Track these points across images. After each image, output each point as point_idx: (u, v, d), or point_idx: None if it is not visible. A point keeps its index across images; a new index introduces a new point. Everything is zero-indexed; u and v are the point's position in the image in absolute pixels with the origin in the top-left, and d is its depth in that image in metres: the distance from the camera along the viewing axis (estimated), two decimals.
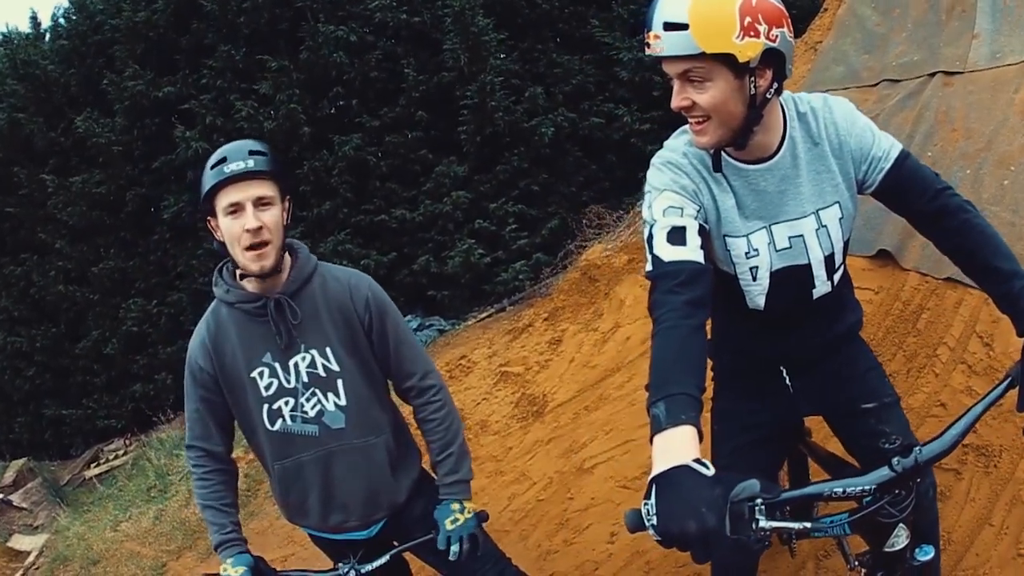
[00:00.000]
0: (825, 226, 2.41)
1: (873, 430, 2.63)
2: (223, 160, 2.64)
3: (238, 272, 2.87)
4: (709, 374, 2.63)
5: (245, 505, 7.48)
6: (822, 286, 2.50)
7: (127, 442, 13.94)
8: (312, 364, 2.87)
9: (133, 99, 12.91)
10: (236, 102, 12.34)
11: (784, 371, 2.72)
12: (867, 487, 1.94)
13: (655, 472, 1.71)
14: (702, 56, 2.07)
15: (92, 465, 13.84)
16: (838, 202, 2.41)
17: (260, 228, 2.66)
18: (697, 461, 1.69)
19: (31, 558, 9.32)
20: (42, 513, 11.86)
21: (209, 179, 2.66)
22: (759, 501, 1.72)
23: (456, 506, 3.00)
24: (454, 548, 2.94)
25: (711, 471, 1.68)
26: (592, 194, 12.42)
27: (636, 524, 1.69)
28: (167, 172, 13.09)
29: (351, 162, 12.04)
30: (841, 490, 1.94)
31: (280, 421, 2.90)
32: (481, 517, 3.11)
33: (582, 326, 7.35)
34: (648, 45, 2.15)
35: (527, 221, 12.21)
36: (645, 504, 1.66)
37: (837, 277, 2.54)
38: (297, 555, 6.01)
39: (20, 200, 14.30)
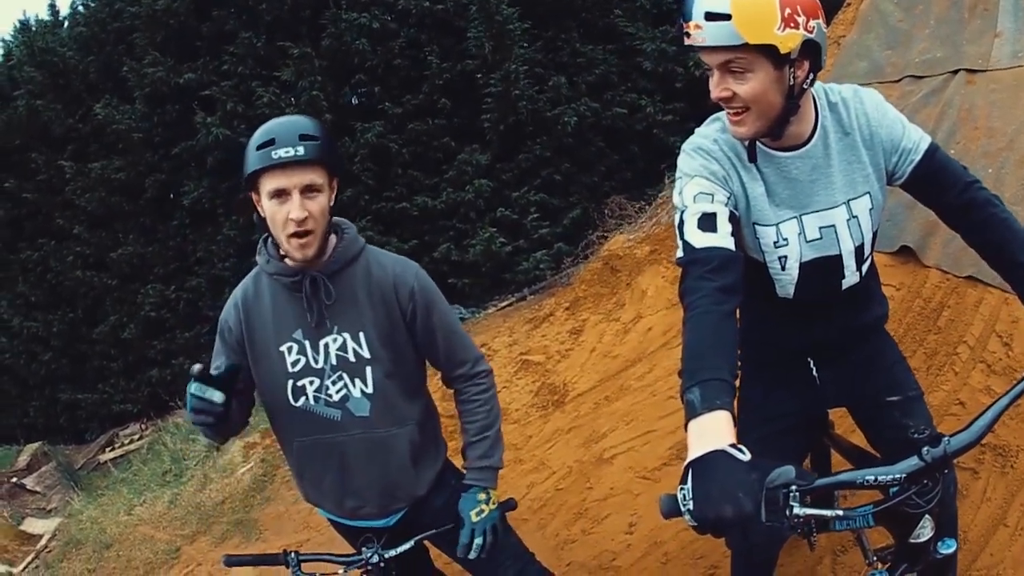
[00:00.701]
0: (856, 216, 2.40)
1: (897, 423, 2.64)
2: (271, 142, 2.47)
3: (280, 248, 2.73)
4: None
5: (261, 490, 7.59)
6: (851, 277, 2.49)
7: (143, 426, 13.93)
8: (343, 347, 2.78)
9: (153, 86, 12.90)
10: (257, 88, 12.32)
11: (811, 361, 2.71)
12: (897, 476, 1.92)
13: (691, 457, 1.71)
14: (744, 47, 2.07)
15: (107, 449, 13.81)
16: (868, 192, 2.40)
17: (306, 218, 2.53)
18: (733, 446, 1.70)
19: (43, 541, 9.25)
20: (56, 497, 11.82)
21: (254, 161, 2.50)
22: (794, 488, 1.74)
23: (483, 496, 2.95)
24: (478, 541, 2.90)
25: (747, 456, 1.68)
26: (614, 184, 12.40)
27: (672, 509, 1.68)
28: (187, 158, 13.08)
29: (373, 149, 12.02)
30: (872, 478, 1.93)
31: (303, 399, 2.82)
32: (507, 506, 3.09)
33: (603, 316, 7.32)
34: (687, 35, 2.13)
35: (549, 210, 12.21)
36: (681, 489, 1.65)
37: (865, 268, 2.54)
38: (313, 540, 6.00)
39: (37, 186, 14.30)
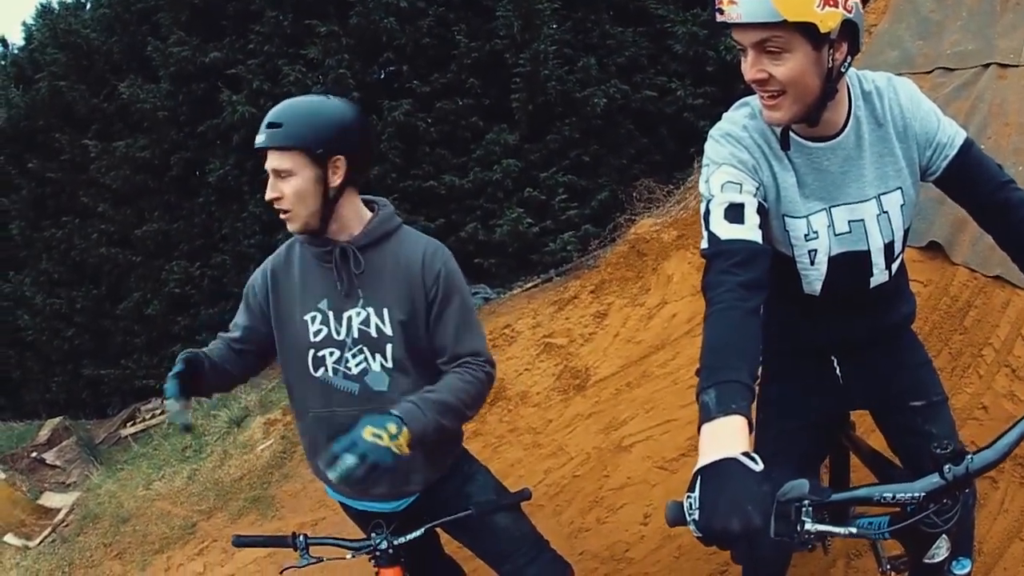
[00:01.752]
0: (886, 212, 2.32)
1: (919, 429, 2.57)
2: (260, 126, 2.64)
3: None
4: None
5: (279, 467, 7.58)
6: (880, 275, 2.41)
7: (164, 402, 13.83)
8: (366, 321, 2.79)
9: (178, 65, 12.84)
10: (284, 67, 12.28)
11: (835, 360, 2.65)
12: (916, 494, 1.83)
13: (701, 463, 1.63)
14: (782, 24, 1.95)
15: (128, 424, 13.82)
16: (900, 188, 2.31)
17: (277, 198, 2.65)
18: (746, 455, 1.62)
19: (61, 515, 9.25)
20: (75, 471, 11.82)
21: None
22: (807, 502, 1.68)
23: (392, 427, 2.53)
24: (348, 460, 2.43)
25: (760, 466, 1.60)
26: (643, 167, 12.33)
27: (677, 518, 1.62)
28: (213, 136, 13.04)
29: (400, 127, 11.96)
30: (891, 495, 1.84)
31: (323, 370, 2.84)
32: (522, 496, 3.01)
33: (628, 300, 7.27)
34: (720, 11, 2.02)
35: (577, 192, 12.16)
36: (688, 497, 1.59)
37: (895, 266, 2.45)
38: (328, 519, 5.98)
39: (61, 165, 14.30)
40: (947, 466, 1.81)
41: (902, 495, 1.82)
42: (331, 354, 2.82)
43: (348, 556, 2.93)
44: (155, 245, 13.87)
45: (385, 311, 2.78)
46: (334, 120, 2.63)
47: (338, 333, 2.80)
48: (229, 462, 8.32)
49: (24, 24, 16.08)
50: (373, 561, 2.89)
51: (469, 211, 12.09)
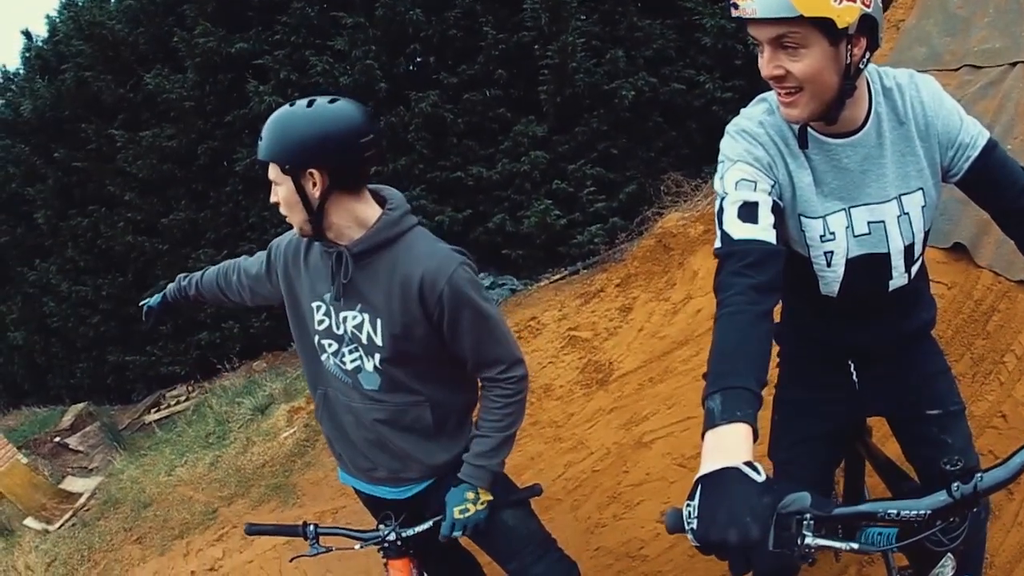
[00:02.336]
0: (907, 213, 2.24)
1: (935, 439, 2.52)
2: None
3: None
4: (775, 360, 2.67)
5: (302, 455, 7.63)
6: (899, 278, 2.34)
7: (189, 388, 14.10)
8: (359, 326, 2.78)
9: (204, 56, 12.84)
10: (311, 58, 12.30)
11: (852, 365, 2.58)
12: (922, 512, 1.76)
13: (702, 471, 1.59)
14: (799, 20, 1.88)
15: (153, 410, 13.97)
16: (922, 188, 2.23)
17: (277, 203, 2.67)
18: (748, 464, 1.58)
19: (82, 500, 9.32)
20: (98, 456, 11.93)
21: None
22: (808, 516, 1.63)
23: (471, 495, 2.86)
24: (456, 534, 2.85)
25: (762, 476, 1.56)
26: (671, 161, 12.32)
27: (676, 525, 1.58)
28: (240, 126, 13.02)
29: (428, 119, 11.95)
30: (895, 512, 1.77)
31: (325, 356, 2.91)
32: (533, 492, 3.06)
33: (654, 295, 7.31)
34: (735, 6, 1.96)
35: (605, 184, 12.12)
36: (688, 505, 1.55)
37: (915, 269, 2.37)
38: (349, 507, 6.00)
39: (87, 155, 14.33)
40: (955, 484, 1.74)
41: (907, 512, 1.76)
42: (330, 345, 2.86)
43: (357, 547, 2.97)
44: (182, 234, 13.89)
45: (379, 321, 2.75)
46: (305, 134, 2.55)
47: (337, 327, 2.83)
48: (252, 449, 8.39)
49: (48, 17, 16.22)
50: (382, 552, 2.95)
51: (497, 202, 12.09)
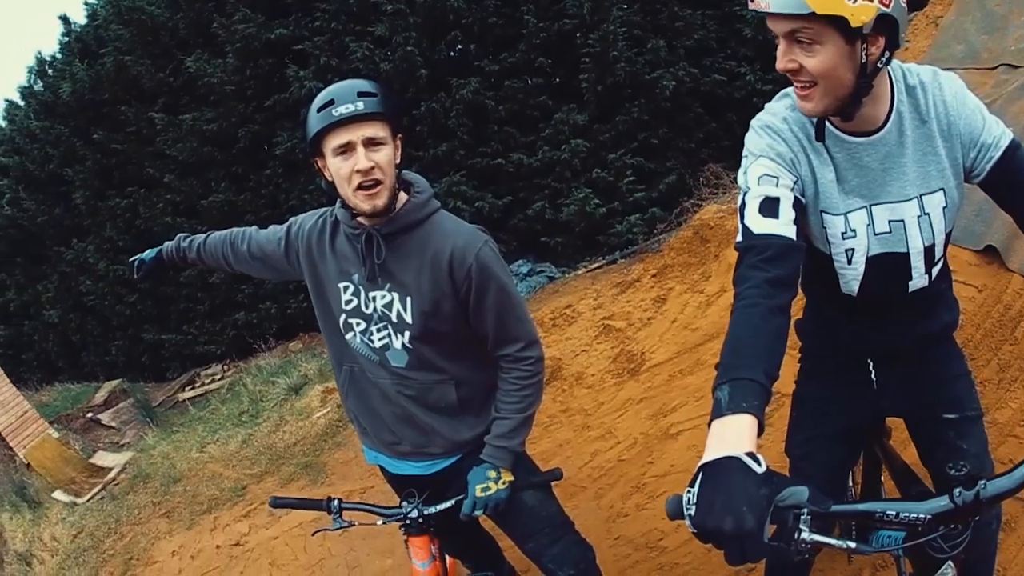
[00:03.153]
0: (927, 214, 2.18)
1: (950, 443, 2.48)
2: (330, 103, 2.53)
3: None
4: (796, 355, 2.64)
5: (333, 435, 7.66)
6: (919, 279, 2.29)
7: (224, 367, 14.25)
8: (388, 305, 2.80)
9: (244, 41, 12.94)
10: (351, 43, 12.33)
11: (871, 364, 2.55)
12: (922, 515, 1.71)
13: (704, 459, 1.58)
14: (812, 16, 1.85)
15: (187, 388, 14.10)
16: (943, 189, 2.17)
17: (372, 168, 2.58)
18: (750, 455, 1.56)
19: (112, 474, 9.37)
20: (130, 432, 12.05)
21: (316, 122, 2.56)
22: (805, 511, 1.60)
23: (492, 473, 2.89)
24: (477, 513, 2.87)
25: (763, 468, 1.54)
26: (711, 152, 12.27)
27: (676, 511, 1.58)
28: (280, 110, 13.09)
29: (469, 105, 11.97)
30: (894, 514, 1.72)
31: (351, 335, 2.92)
32: (553, 475, 3.06)
33: (688, 287, 7.27)
34: None
35: (645, 174, 12.09)
36: (688, 491, 1.55)
37: (936, 271, 2.31)
38: (377, 487, 5.97)
39: (127, 137, 14.50)
40: (958, 490, 1.69)
41: (907, 514, 1.71)
42: (358, 324, 2.87)
43: (379, 522, 3.01)
44: (221, 215, 13.93)
45: (408, 299, 2.78)
46: (396, 98, 2.65)
47: (366, 307, 2.84)
48: (284, 428, 8.42)
49: (86, 2, 16.40)
50: (403, 529, 2.99)
51: (537, 190, 12.08)
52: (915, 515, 1.70)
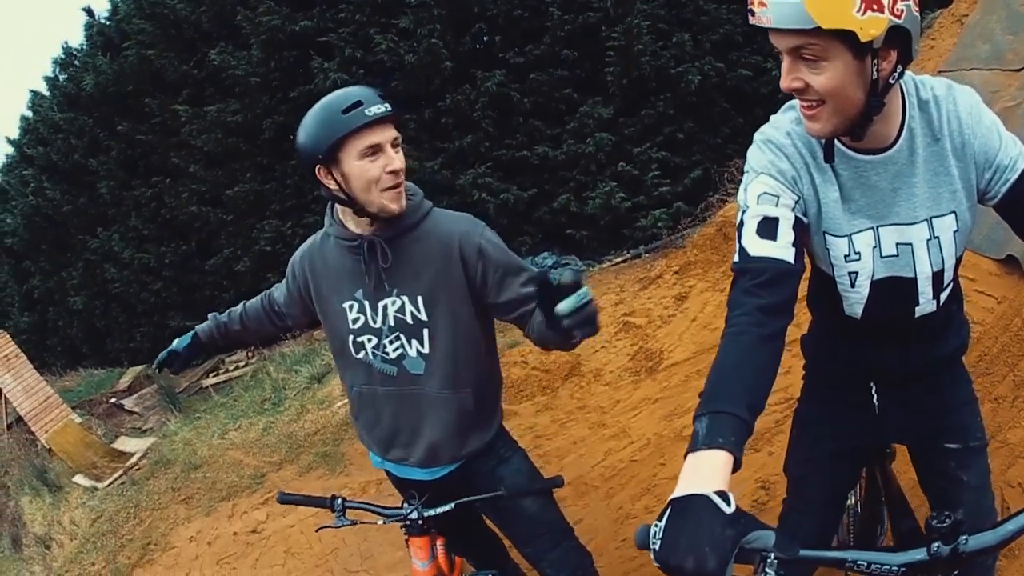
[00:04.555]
0: (937, 237, 2.08)
1: (951, 474, 2.43)
2: (358, 104, 2.55)
3: (341, 211, 2.83)
4: (800, 373, 2.63)
5: (353, 425, 7.61)
6: (926, 304, 2.20)
7: (249, 355, 14.28)
8: (401, 309, 2.82)
9: (269, 33, 12.91)
10: (375, 36, 12.28)
11: (873, 387, 2.47)
12: (894, 567, 1.66)
13: (674, 494, 1.57)
14: (817, 31, 1.73)
15: (211, 375, 14.16)
16: (954, 212, 2.06)
17: (400, 169, 2.64)
18: (720, 494, 1.54)
19: (134, 459, 9.48)
20: (153, 418, 12.14)
21: (344, 124, 2.54)
22: (771, 556, 1.56)
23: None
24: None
25: (731, 508, 1.53)
26: (737, 147, 12.07)
27: (643, 542, 1.56)
28: (305, 102, 12.84)
29: (494, 97, 11.93)
30: (865, 564, 1.68)
31: (363, 353, 2.93)
32: (554, 483, 3.05)
33: (710, 285, 7.29)
34: (751, 12, 1.82)
35: (670, 169, 12.01)
36: (656, 524, 1.54)
37: (944, 296, 2.22)
38: (387, 482, 6.01)
39: (152, 128, 14.57)
40: (936, 544, 1.64)
41: (878, 566, 1.67)
42: (369, 340, 2.89)
43: (380, 522, 3.08)
44: (246, 204, 14.01)
45: (419, 297, 2.79)
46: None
47: (374, 321, 2.85)
48: (305, 417, 8.49)
49: None
50: (404, 530, 3.00)
51: (562, 183, 12.03)
52: (887, 566, 1.66)
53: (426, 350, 2.84)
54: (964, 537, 1.63)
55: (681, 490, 1.56)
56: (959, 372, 2.50)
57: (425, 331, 2.82)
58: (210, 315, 3.51)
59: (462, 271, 2.75)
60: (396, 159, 2.60)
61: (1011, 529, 1.66)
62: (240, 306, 3.45)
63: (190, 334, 3.46)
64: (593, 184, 11.75)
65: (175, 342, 3.44)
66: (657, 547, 1.49)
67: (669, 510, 1.53)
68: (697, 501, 1.52)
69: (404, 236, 2.75)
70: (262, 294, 3.40)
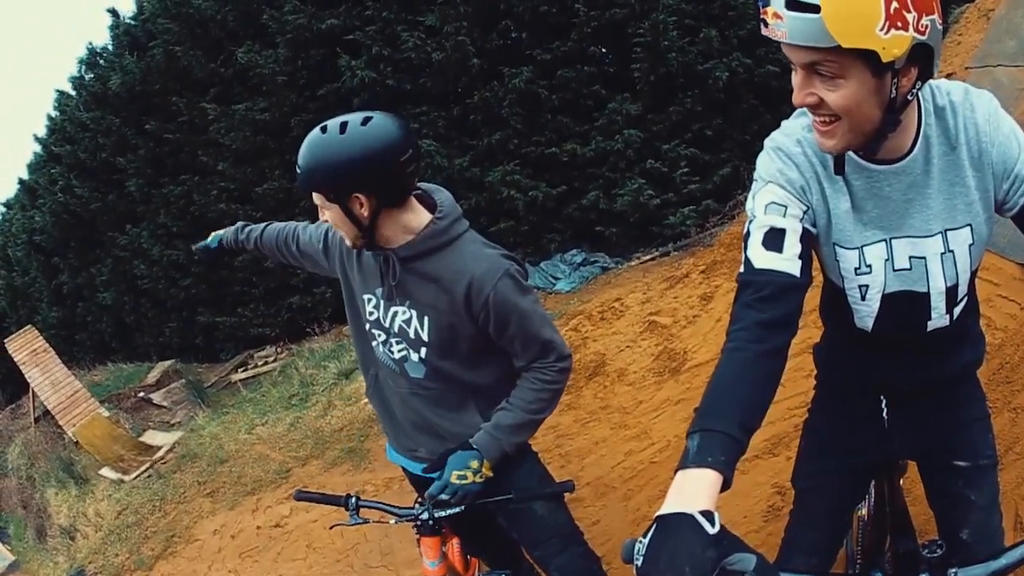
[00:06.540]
0: (952, 251, 2.02)
1: (958, 493, 2.40)
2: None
3: None
4: (811, 382, 2.60)
5: (379, 422, 7.69)
6: (939, 319, 2.13)
7: (278, 350, 14.39)
8: (407, 321, 2.88)
9: (295, 32, 12.94)
10: (402, 33, 12.30)
11: (883, 401, 2.43)
12: None
13: (660, 511, 1.58)
14: (836, 49, 1.64)
15: (240, 370, 14.27)
16: (970, 225, 2.00)
17: (329, 224, 2.82)
18: (705, 513, 1.54)
19: (161, 453, 9.57)
20: (181, 412, 12.23)
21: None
22: None
23: (475, 464, 2.88)
24: (442, 498, 2.89)
25: (715, 528, 1.52)
26: None
27: (628, 557, 1.58)
28: (333, 100, 13.05)
29: (522, 94, 11.89)
30: None
31: (375, 343, 3.04)
32: (565, 487, 3.05)
33: (735, 285, 7.07)
34: (764, 23, 1.72)
35: (699, 166, 11.94)
36: (640, 540, 1.55)
37: (958, 310, 2.16)
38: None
39: (179, 127, 14.65)
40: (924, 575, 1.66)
41: None
42: (379, 335, 2.98)
43: (391, 522, 3.15)
44: (276, 202, 14.00)
45: (425, 318, 2.84)
46: (344, 163, 2.58)
47: (385, 320, 2.93)
48: (332, 413, 8.56)
49: None
50: (415, 529, 3.05)
51: (591, 179, 11.99)
52: None
53: (426, 359, 2.90)
54: (954, 571, 1.65)
55: (667, 507, 1.57)
56: (972, 387, 2.45)
57: (424, 349, 2.87)
58: (235, 226, 3.70)
59: (467, 311, 2.77)
60: (320, 214, 2.74)
61: (1003, 563, 1.68)
62: (259, 229, 3.56)
63: (216, 237, 3.75)
64: (622, 181, 11.71)
65: (207, 239, 3.78)
66: (639, 563, 1.51)
67: (654, 527, 1.54)
68: (681, 520, 1.52)
69: (423, 257, 2.77)
70: (283, 225, 3.48)
